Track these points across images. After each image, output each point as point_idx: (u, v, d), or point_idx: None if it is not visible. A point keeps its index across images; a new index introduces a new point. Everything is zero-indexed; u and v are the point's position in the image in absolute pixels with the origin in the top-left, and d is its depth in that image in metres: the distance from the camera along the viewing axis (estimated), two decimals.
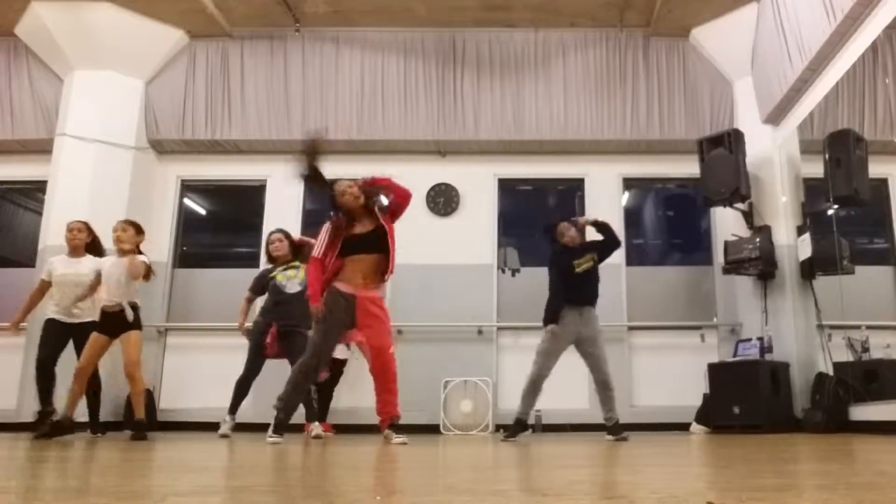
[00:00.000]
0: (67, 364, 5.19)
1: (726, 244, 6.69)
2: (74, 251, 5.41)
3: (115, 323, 4.86)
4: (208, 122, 7.47)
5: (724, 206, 6.71)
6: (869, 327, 6.19)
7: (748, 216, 6.74)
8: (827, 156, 6.26)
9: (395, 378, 4.40)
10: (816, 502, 1.41)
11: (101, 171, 7.10)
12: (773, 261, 6.48)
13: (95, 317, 5.05)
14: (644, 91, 7.36)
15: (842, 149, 6.18)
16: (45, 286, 5.39)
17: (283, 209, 7.48)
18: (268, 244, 5.64)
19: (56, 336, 5.31)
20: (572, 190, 7.84)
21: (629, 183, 7.76)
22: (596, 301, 5.13)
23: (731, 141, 6.49)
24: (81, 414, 5.33)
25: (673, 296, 7.39)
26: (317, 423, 5.28)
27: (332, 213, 4.53)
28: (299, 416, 4.83)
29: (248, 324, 5.51)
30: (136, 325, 4.91)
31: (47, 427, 4.86)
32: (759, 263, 6.43)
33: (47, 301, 5.42)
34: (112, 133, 7.21)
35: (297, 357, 4.55)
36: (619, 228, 7.43)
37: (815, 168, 6.45)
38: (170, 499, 1.49)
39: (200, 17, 7.17)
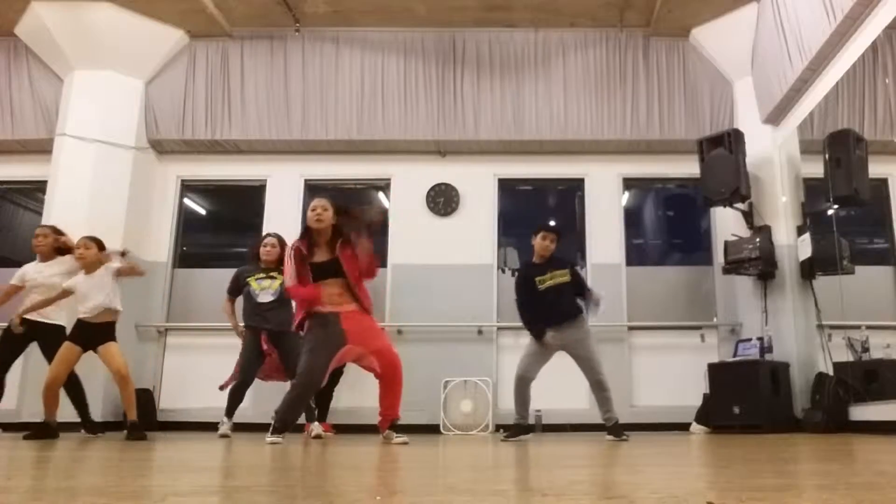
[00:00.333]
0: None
1: (726, 244, 6.68)
2: (43, 256, 5.35)
3: (93, 335, 4.89)
4: (208, 122, 7.47)
5: (724, 206, 6.71)
6: (869, 327, 6.18)
7: (748, 216, 6.74)
8: (827, 156, 6.26)
9: (401, 380, 4.39)
10: (816, 502, 1.41)
11: (101, 171, 7.10)
12: (773, 261, 6.48)
13: (62, 321, 5.07)
14: (644, 91, 7.36)
15: (842, 149, 6.18)
16: (12, 290, 5.31)
17: (283, 209, 7.49)
18: (260, 245, 5.58)
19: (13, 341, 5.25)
20: (572, 190, 7.84)
21: (629, 183, 7.76)
22: (576, 315, 5.09)
23: (731, 141, 6.49)
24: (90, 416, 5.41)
25: (673, 296, 7.39)
26: (316, 423, 5.29)
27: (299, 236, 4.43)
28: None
29: (242, 323, 5.52)
30: (113, 336, 4.99)
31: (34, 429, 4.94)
32: (759, 263, 6.43)
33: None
34: (112, 133, 7.21)
35: (295, 359, 4.55)
36: (619, 228, 7.49)
37: (815, 168, 6.45)
38: (169, 499, 1.49)
39: (200, 17, 7.17)
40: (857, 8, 4.82)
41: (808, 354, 6.35)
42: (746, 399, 5.96)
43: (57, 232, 5.43)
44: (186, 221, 7.87)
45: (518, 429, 5.09)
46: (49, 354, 5.06)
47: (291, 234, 5.90)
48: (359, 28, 7.48)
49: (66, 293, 5.01)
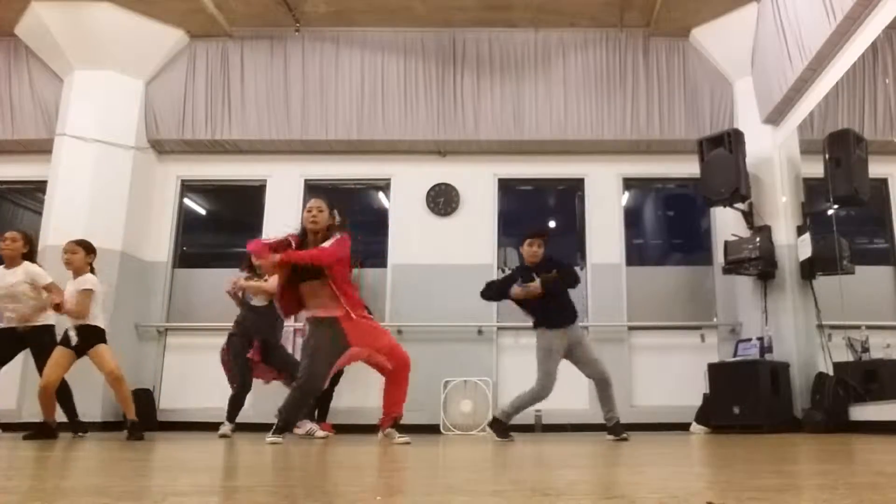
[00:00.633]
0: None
1: (726, 244, 6.68)
2: (9, 262, 5.16)
3: (83, 339, 4.88)
4: (208, 122, 7.47)
5: (724, 206, 6.71)
6: (869, 327, 6.19)
7: (748, 216, 6.74)
8: (827, 156, 6.26)
9: (408, 377, 4.41)
10: (816, 502, 1.41)
11: (101, 171, 7.10)
12: (773, 261, 6.48)
13: (51, 320, 5.08)
14: (644, 91, 7.36)
15: (842, 149, 6.18)
16: None
17: (283, 209, 7.47)
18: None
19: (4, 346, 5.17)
20: (572, 190, 7.84)
21: (629, 183, 7.76)
22: (577, 317, 5.08)
23: (731, 141, 6.49)
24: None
25: (673, 296, 7.39)
26: (307, 420, 5.42)
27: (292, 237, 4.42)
28: None
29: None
30: (103, 339, 4.97)
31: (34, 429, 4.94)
32: (759, 263, 6.43)
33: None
34: (112, 133, 7.21)
35: (285, 367, 4.58)
36: (619, 228, 7.49)
37: (815, 168, 6.45)
38: (170, 499, 1.49)
39: (200, 17, 7.17)
40: (857, 8, 4.82)
41: (808, 354, 6.35)
42: (746, 399, 5.96)
43: (27, 240, 5.21)
44: (186, 221, 7.88)
45: (501, 425, 5.02)
46: (40, 357, 4.96)
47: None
48: (359, 28, 7.48)
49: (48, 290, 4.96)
